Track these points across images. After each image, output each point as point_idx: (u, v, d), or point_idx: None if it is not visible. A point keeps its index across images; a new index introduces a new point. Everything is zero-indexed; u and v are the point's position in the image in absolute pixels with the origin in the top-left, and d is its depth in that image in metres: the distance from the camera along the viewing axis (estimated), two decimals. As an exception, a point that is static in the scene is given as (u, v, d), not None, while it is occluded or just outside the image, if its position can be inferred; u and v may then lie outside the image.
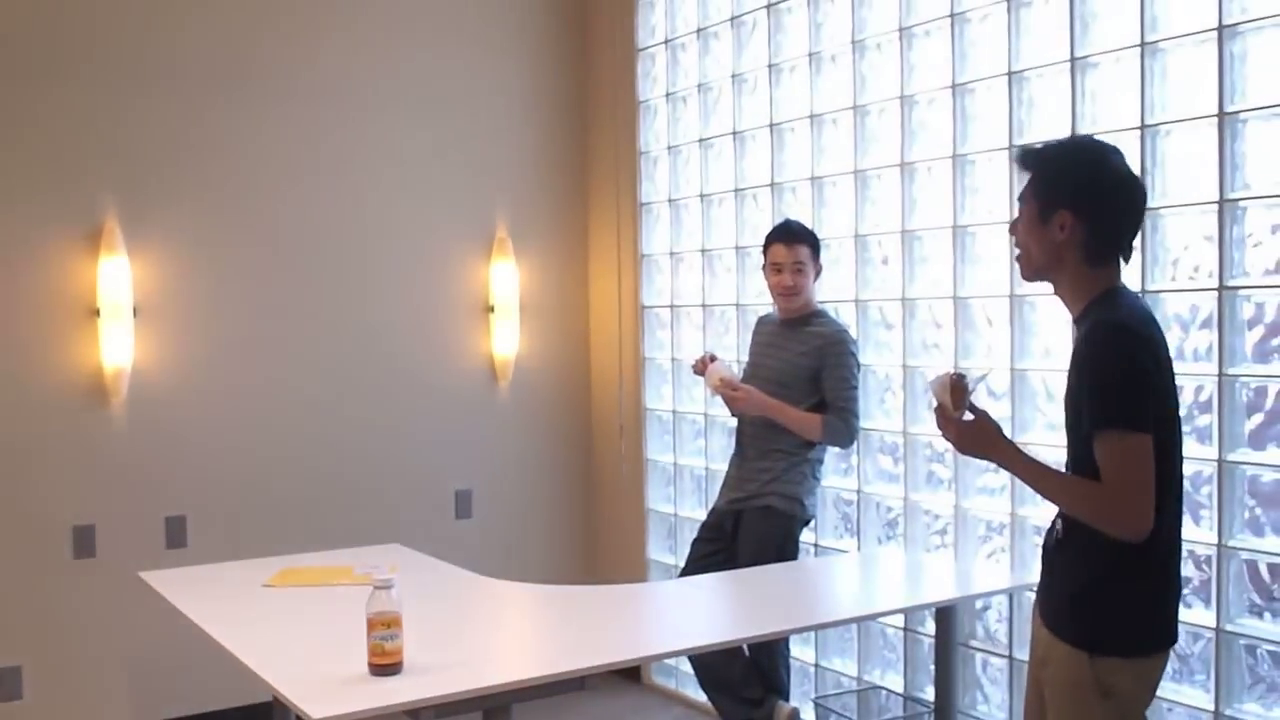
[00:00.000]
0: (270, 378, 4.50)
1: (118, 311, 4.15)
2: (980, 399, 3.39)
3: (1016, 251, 2.33)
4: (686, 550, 4.66)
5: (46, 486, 4.13)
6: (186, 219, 4.34)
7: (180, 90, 4.31)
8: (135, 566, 4.14)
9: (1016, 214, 2.33)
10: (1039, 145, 2.35)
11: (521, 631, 3.05)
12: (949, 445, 2.58)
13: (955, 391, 2.26)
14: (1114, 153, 2.28)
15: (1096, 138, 2.44)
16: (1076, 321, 2.26)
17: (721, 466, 4.48)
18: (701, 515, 4.58)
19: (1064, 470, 2.26)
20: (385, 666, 2.43)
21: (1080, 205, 2.19)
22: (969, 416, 2.33)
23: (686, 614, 3.19)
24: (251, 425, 4.46)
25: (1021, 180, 2.32)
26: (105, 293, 4.14)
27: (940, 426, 2.32)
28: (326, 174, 4.60)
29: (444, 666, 2.52)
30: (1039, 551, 3.31)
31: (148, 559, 4.15)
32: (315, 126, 4.56)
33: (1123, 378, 2.08)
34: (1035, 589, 2.44)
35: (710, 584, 3.48)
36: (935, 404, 2.31)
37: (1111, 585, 2.16)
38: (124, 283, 4.16)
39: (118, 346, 4.16)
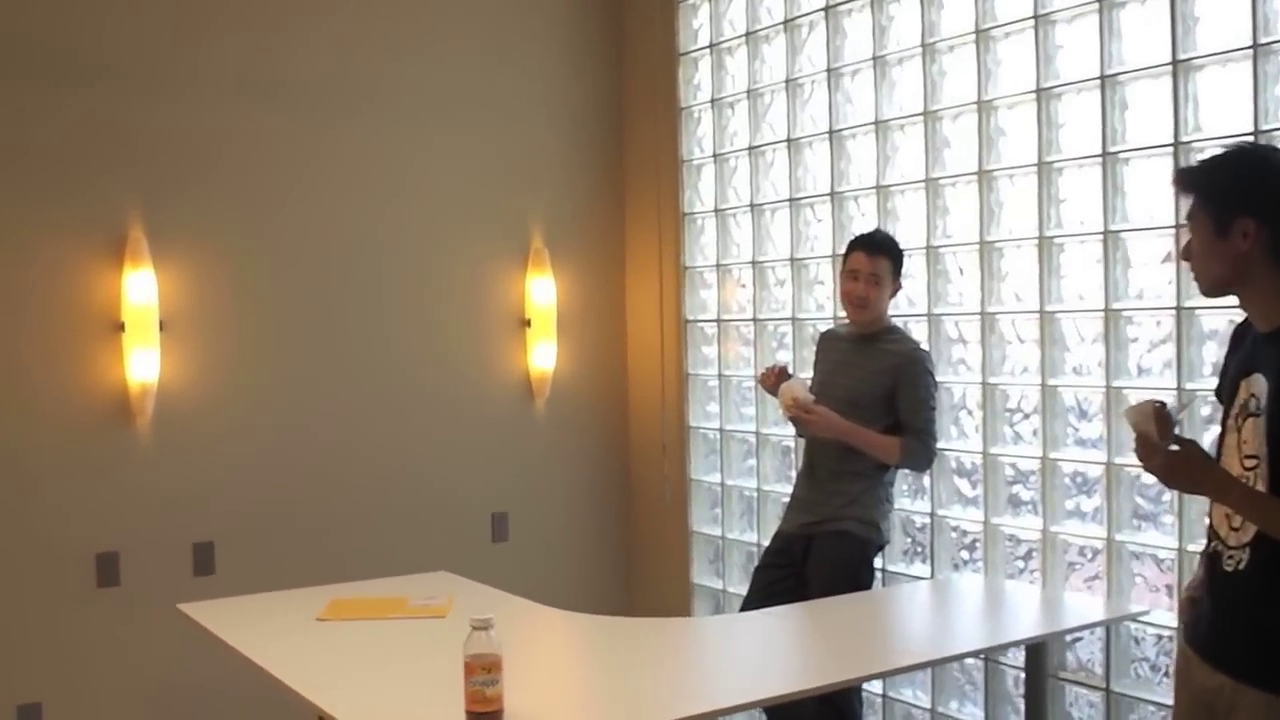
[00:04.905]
0: (301, 396, 4.31)
1: (143, 326, 3.95)
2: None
3: (1192, 275, 2.22)
4: (733, 574, 4.53)
5: (68, 511, 3.92)
6: (214, 230, 4.15)
7: (208, 99, 4.12)
8: (161, 595, 3.94)
9: (1187, 239, 2.20)
10: (1198, 163, 2.24)
11: (609, 671, 2.83)
12: (1150, 476, 2.39)
13: (1159, 421, 2.09)
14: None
15: (1258, 142, 2.31)
16: (1272, 336, 2.10)
17: (775, 488, 4.33)
18: (752, 538, 4.43)
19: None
20: (486, 715, 2.23)
21: (1264, 210, 2.06)
22: (1173, 447, 2.16)
23: (769, 654, 3.00)
24: (282, 445, 4.27)
25: (1185, 202, 2.20)
26: (130, 306, 3.95)
27: (1142, 458, 2.13)
28: (357, 185, 4.42)
29: (545, 713, 2.33)
30: (1138, 579, 3.23)
31: (174, 588, 3.92)
32: (346, 136, 4.39)
33: None
34: (1191, 622, 2.26)
35: (785, 618, 3.27)
36: (1136, 434, 2.12)
37: None
38: (150, 296, 3.96)
39: (143, 362, 3.96)
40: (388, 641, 2.88)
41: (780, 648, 3.10)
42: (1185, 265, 2.99)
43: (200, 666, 3.93)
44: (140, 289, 3.94)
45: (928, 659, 3.05)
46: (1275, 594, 2.03)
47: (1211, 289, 2.18)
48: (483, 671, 2.24)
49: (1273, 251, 2.06)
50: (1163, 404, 2.11)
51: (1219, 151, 2.26)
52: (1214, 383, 2.38)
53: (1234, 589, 2.10)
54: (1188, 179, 2.18)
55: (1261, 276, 2.09)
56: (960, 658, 3.41)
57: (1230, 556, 2.11)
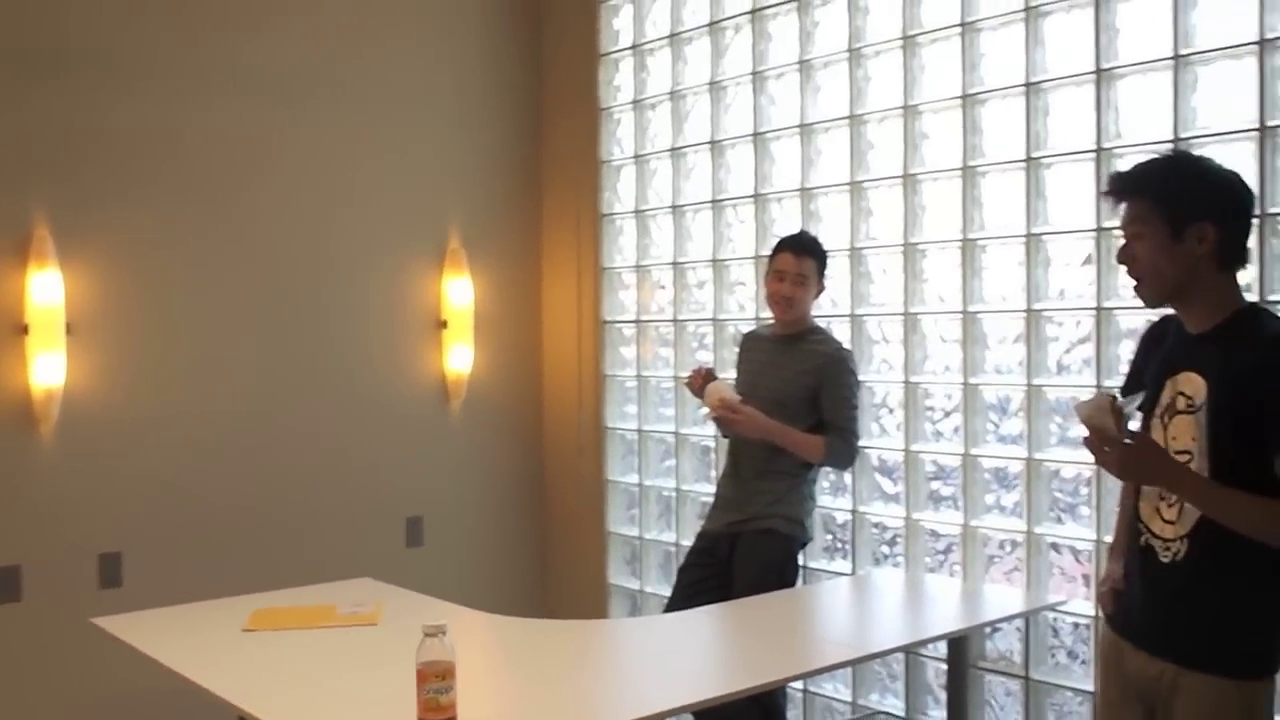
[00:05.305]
0: (211, 401, 4.17)
1: (49, 328, 3.78)
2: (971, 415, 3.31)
3: (1134, 281, 2.24)
4: (651, 574, 4.54)
5: (-35, 522, 3.73)
6: (124, 228, 3.99)
7: (117, 88, 3.95)
8: (65, 610, 3.82)
9: (1124, 243, 2.23)
10: (1136, 170, 2.24)
11: (552, 674, 2.80)
12: (1099, 466, 2.38)
13: (1116, 414, 2.12)
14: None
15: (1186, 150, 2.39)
16: (1207, 334, 2.17)
17: (694, 488, 4.35)
18: (670, 538, 4.44)
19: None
20: (439, 723, 2.20)
21: (1220, 214, 2.13)
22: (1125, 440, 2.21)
23: (699, 655, 3.00)
24: (192, 452, 4.12)
25: (1116, 208, 2.25)
26: (35, 308, 3.77)
27: (1096, 450, 2.17)
28: (270, 185, 4.30)
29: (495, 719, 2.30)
30: (1055, 571, 3.32)
31: (79, 602, 3.79)
32: (259, 135, 4.26)
33: None
34: (1119, 613, 2.33)
35: (711, 618, 3.28)
36: (1089, 429, 2.15)
37: (1254, 607, 2.11)
38: (56, 297, 3.79)
39: (48, 367, 3.79)
40: (322, 651, 2.80)
41: (709, 648, 3.09)
42: (1107, 268, 3.12)
43: (111, 684, 3.81)
44: (45, 290, 3.76)
45: (854, 656, 3.06)
46: (1217, 581, 2.11)
47: (1161, 295, 2.21)
48: (436, 679, 2.19)
49: (1221, 256, 2.14)
50: (1115, 397, 2.15)
51: (1156, 158, 2.33)
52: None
53: (1174, 579, 2.16)
54: (1133, 184, 2.20)
55: (1208, 280, 2.15)
56: (887, 654, 3.43)
57: (1167, 548, 2.18)
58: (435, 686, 2.19)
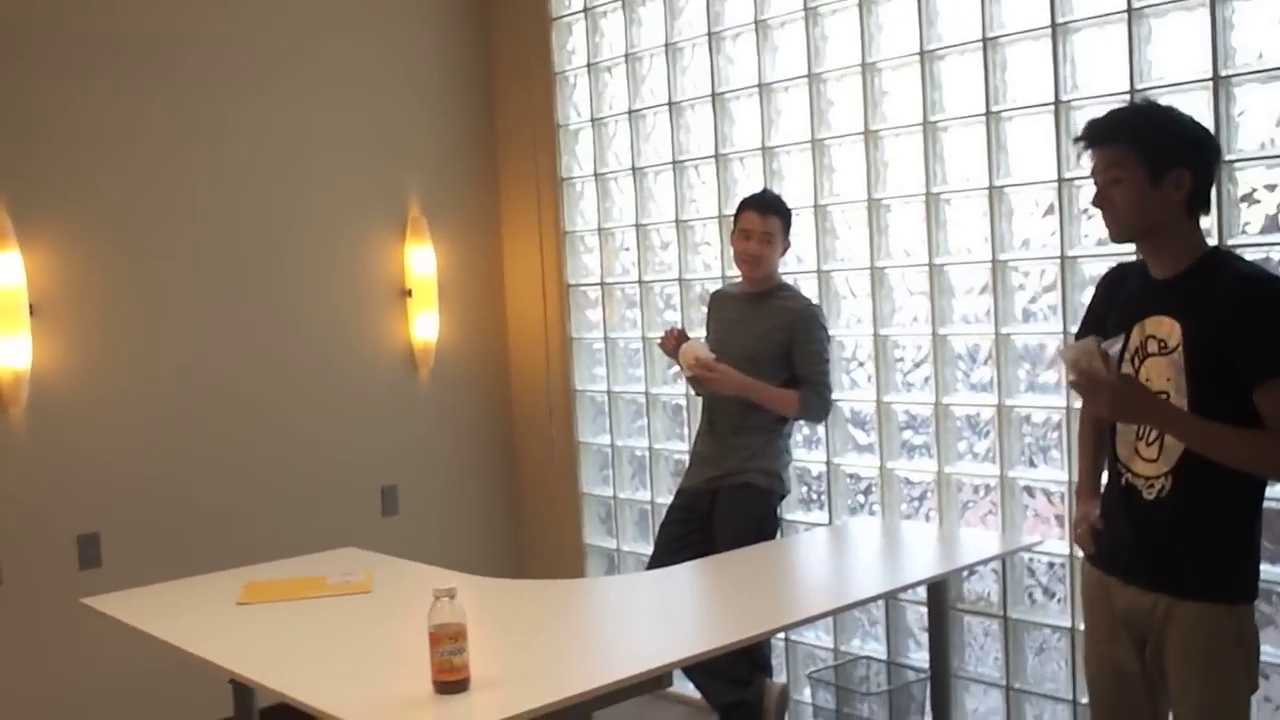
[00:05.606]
0: (182, 377, 4.15)
1: (12, 311, 3.73)
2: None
3: (1106, 221, 2.31)
4: (627, 532, 4.61)
5: (-62, 511, 3.69)
6: (85, 207, 3.94)
7: (74, 65, 3.89)
8: (45, 593, 3.82)
9: (1099, 189, 2.29)
10: (1113, 117, 2.30)
11: (553, 633, 2.85)
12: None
13: (1104, 357, 2.19)
14: None
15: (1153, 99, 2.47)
16: (1175, 279, 2.25)
17: (667, 446, 4.41)
18: (645, 496, 4.50)
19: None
20: (454, 683, 2.24)
21: (1197, 161, 2.21)
22: None
23: (688, 610, 3.07)
24: (164, 429, 4.11)
25: (1088, 155, 2.31)
26: (-3, 292, 3.72)
27: (1086, 391, 2.24)
28: (231, 159, 4.26)
29: (511, 678, 2.35)
30: (1030, 512, 3.44)
31: (59, 584, 3.81)
32: (218, 110, 4.22)
33: None
34: (1104, 552, 2.40)
35: (696, 573, 3.34)
36: (1076, 372, 2.22)
37: (1237, 534, 2.22)
38: (16, 279, 3.74)
39: (14, 349, 3.75)
40: (322, 621, 2.84)
41: (696, 603, 3.15)
42: (1069, 217, 3.22)
43: (98, 664, 3.85)
44: (6, 271, 3.71)
45: (837, 605, 3.11)
46: (1201, 513, 2.21)
47: (1132, 236, 2.29)
48: (449, 641, 2.24)
49: (1191, 202, 2.22)
50: (1100, 341, 2.23)
51: (1129, 106, 2.41)
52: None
53: (1159, 515, 2.25)
54: (1110, 131, 2.25)
55: (1178, 225, 2.24)
56: (868, 601, 3.51)
57: (1150, 486, 2.26)
58: (449, 648, 2.24)
